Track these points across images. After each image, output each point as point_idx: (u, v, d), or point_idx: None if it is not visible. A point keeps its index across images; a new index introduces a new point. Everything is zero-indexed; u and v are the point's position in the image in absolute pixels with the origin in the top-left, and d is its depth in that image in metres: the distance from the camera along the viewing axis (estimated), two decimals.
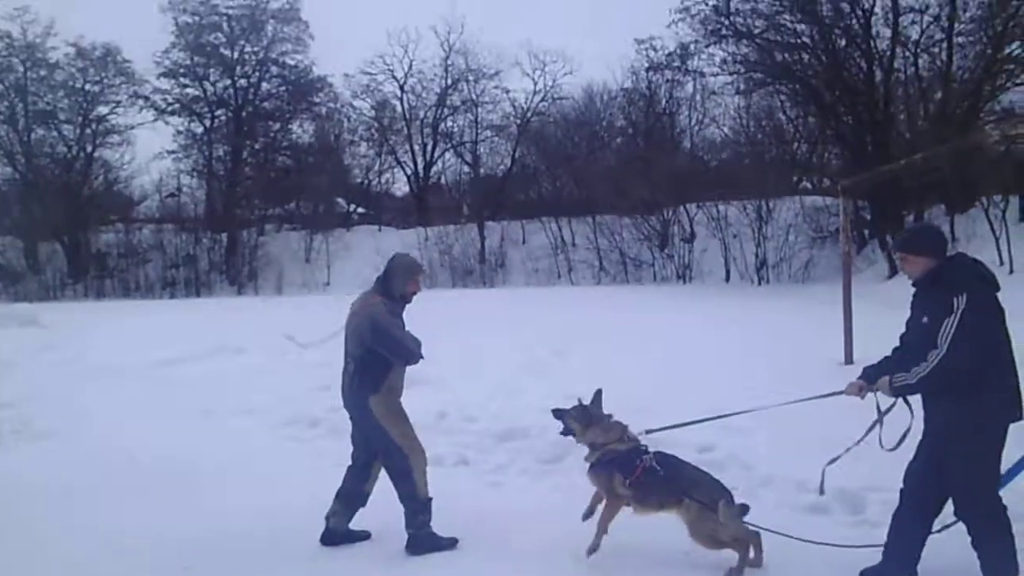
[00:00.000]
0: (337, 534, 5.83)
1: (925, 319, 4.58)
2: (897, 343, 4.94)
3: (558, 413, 5.75)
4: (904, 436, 4.82)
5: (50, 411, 9.93)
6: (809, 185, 25.72)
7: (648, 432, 5.62)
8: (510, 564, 5.29)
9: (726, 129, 27.01)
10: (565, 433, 5.70)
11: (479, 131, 32.98)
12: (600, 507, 5.41)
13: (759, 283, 19.58)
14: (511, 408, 8.54)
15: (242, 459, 8.10)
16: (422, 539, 5.61)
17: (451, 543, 5.64)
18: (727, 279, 20.38)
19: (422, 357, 5.74)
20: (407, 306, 5.85)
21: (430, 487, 5.72)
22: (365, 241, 25.90)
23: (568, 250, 24.03)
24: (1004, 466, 4.63)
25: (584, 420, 5.57)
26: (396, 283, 5.76)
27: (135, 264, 26.68)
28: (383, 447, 5.72)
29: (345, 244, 26.47)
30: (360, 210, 33.80)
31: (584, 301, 16.08)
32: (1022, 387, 4.51)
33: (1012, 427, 4.52)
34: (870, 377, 4.89)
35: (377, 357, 5.63)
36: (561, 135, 29.14)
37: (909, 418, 4.81)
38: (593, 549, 5.28)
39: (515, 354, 10.58)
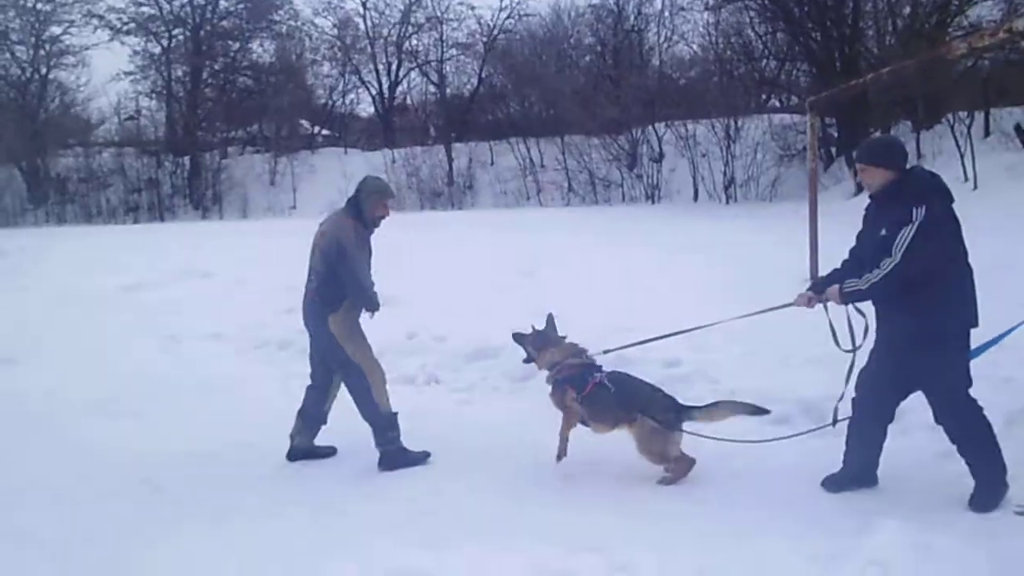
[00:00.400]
0: (301, 450, 5.93)
1: (884, 231, 4.61)
2: (847, 256, 4.99)
3: (518, 337, 5.87)
4: (864, 335, 4.89)
5: (15, 337, 9.83)
6: (777, 103, 25.66)
7: (605, 352, 5.71)
8: (482, 477, 5.37)
9: (695, 46, 26.80)
10: (527, 360, 5.85)
11: (444, 50, 32.36)
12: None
13: (727, 202, 19.63)
14: (481, 328, 8.56)
15: (212, 382, 8.11)
16: (393, 455, 5.68)
17: (423, 457, 5.72)
18: (695, 198, 20.41)
19: (378, 307, 5.73)
20: (375, 231, 5.83)
21: (394, 403, 5.78)
22: (331, 164, 25.55)
23: (537, 171, 23.89)
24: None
25: (540, 344, 5.70)
26: (366, 206, 5.72)
27: (96, 189, 26.15)
28: (340, 365, 5.77)
29: (310, 167, 26.11)
30: (325, 132, 33.27)
31: (553, 222, 16.07)
32: (978, 296, 4.60)
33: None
34: (819, 288, 4.95)
35: (336, 276, 5.63)
36: (528, 53, 28.71)
37: (863, 320, 4.89)
38: (560, 455, 5.44)
39: (484, 275, 10.59)
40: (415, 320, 8.79)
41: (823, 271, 9.11)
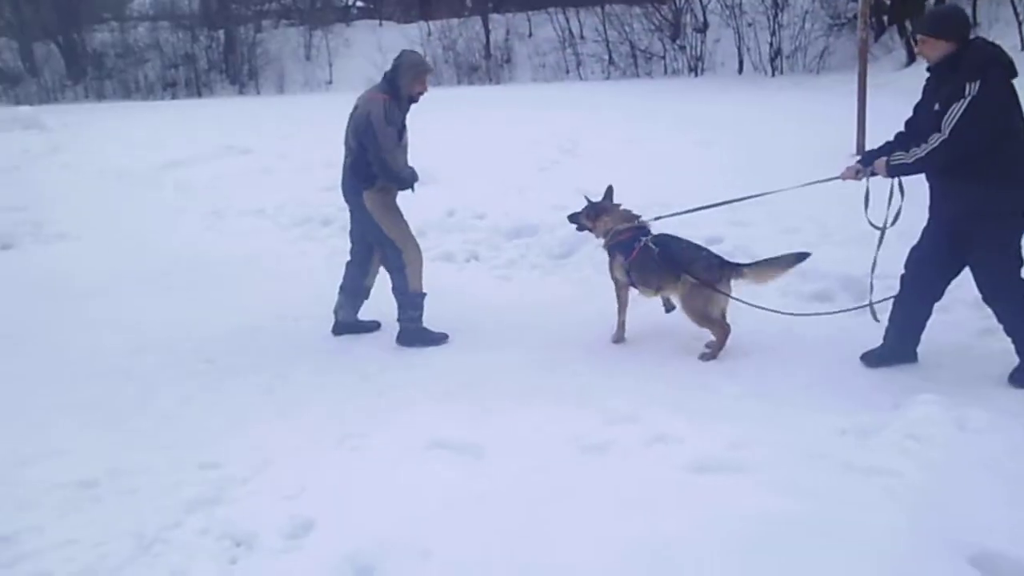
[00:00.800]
0: (345, 325, 6.05)
1: (937, 106, 4.48)
2: (903, 128, 4.87)
3: (573, 217, 5.97)
4: (897, 216, 4.83)
5: (63, 214, 10.00)
6: None
7: (656, 219, 5.70)
8: (521, 351, 5.48)
9: None
10: (580, 229, 5.98)
11: None
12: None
13: (773, 74, 19.01)
14: (520, 205, 8.56)
15: (256, 258, 8.25)
16: (411, 332, 5.79)
17: (442, 338, 5.80)
18: (740, 70, 19.76)
19: (407, 185, 5.70)
20: (411, 108, 5.76)
21: (430, 282, 5.85)
22: (366, 37, 25.03)
23: (576, 43, 23.21)
24: None
25: (593, 214, 5.78)
26: (403, 82, 5.62)
27: (133, 64, 25.94)
28: (378, 240, 5.83)
29: (346, 40, 25.60)
30: (359, 3, 32.54)
31: (593, 97, 15.73)
32: None
33: None
34: (867, 161, 4.86)
35: (363, 156, 5.60)
36: None
37: (899, 199, 4.81)
38: (617, 338, 5.60)
39: (524, 152, 10.48)
40: (454, 197, 8.78)
41: (870, 145, 8.97)
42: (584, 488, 3.52)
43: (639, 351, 5.41)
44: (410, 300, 5.79)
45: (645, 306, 5.79)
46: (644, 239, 5.44)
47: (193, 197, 10.60)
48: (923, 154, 4.43)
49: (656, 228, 5.70)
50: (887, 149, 4.80)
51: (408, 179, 5.70)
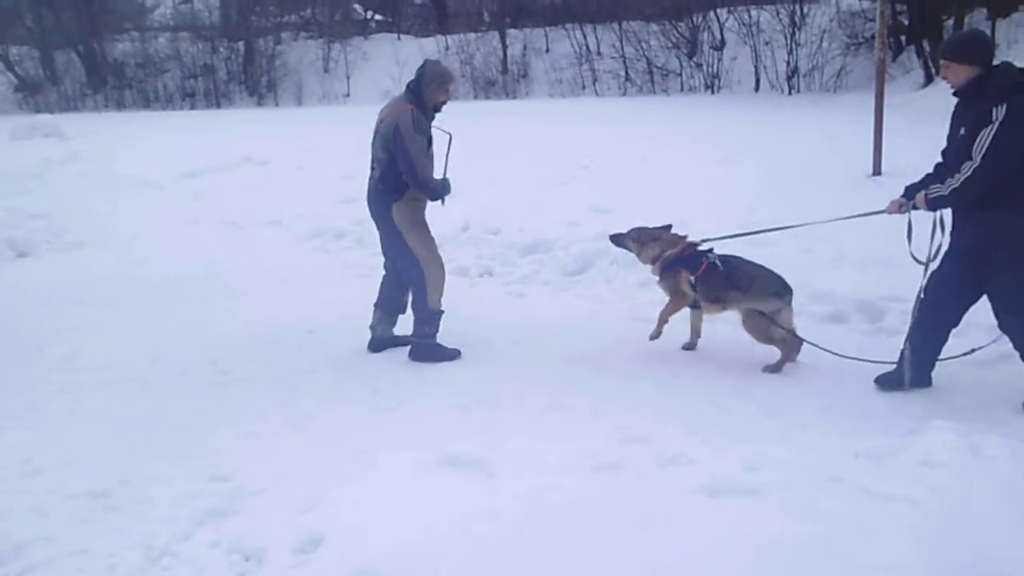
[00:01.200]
0: (382, 340, 6.02)
1: (963, 131, 4.48)
2: (939, 158, 4.85)
3: (616, 239, 5.98)
4: (937, 251, 4.80)
5: (80, 222, 10.08)
6: None
7: (704, 241, 5.72)
8: (534, 368, 5.48)
9: None
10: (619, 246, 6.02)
11: None
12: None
13: (790, 92, 19.00)
14: (535, 221, 8.57)
15: (271, 269, 8.28)
16: (425, 348, 5.78)
17: (454, 354, 5.78)
18: (756, 88, 19.76)
19: (439, 196, 5.67)
20: (435, 118, 5.75)
21: (446, 299, 5.84)
22: (384, 50, 25.17)
23: (593, 59, 23.25)
24: None
25: (642, 239, 5.81)
26: (428, 91, 5.61)
27: (153, 74, 26.13)
28: (400, 254, 5.81)
29: (364, 53, 25.74)
30: (378, 17, 32.70)
31: (610, 113, 15.76)
32: None
33: None
34: (910, 194, 4.84)
35: (392, 168, 5.59)
36: None
37: (939, 234, 4.78)
38: (654, 336, 5.67)
39: (539, 167, 10.50)
40: (469, 212, 8.80)
41: (886, 166, 8.98)
42: (597, 508, 3.51)
43: (653, 369, 5.40)
44: (428, 316, 5.78)
45: (651, 326, 5.79)
46: (711, 255, 5.49)
47: (210, 207, 10.67)
48: (958, 184, 4.42)
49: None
50: (928, 181, 4.79)
51: (439, 190, 5.65)
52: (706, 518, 3.35)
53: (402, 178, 5.56)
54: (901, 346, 4.90)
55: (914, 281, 4.88)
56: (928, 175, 4.87)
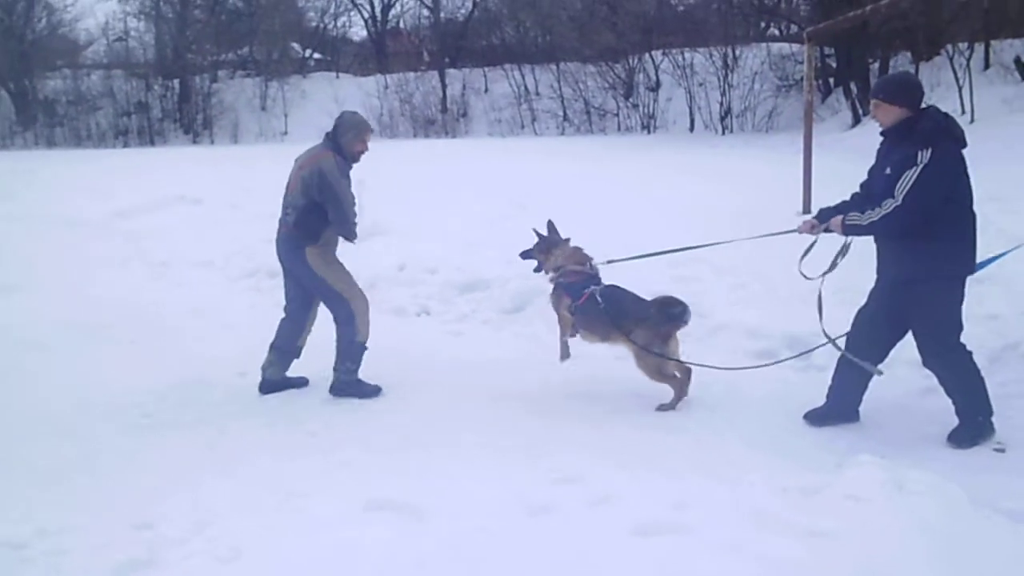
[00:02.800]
0: (273, 383, 5.97)
1: (888, 170, 4.59)
2: (858, 189, 4.98)
3: (525, 254, 6.01)
4: (831, 269, 4.92)
5: (6, 263, 9.79)
6: (776, 32, 25.26)
7: (609, 262, 5.74)
8: (468, 408, 5.44)
9: None
10: (537, 269, 5.98)
11: None
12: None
13: (723, 132, 19.45)
14: (472, 260, 8.57)
15: (202, 309, 8.14)
16: (345, 384, 5.77)
17: (375, 391, 5.78)
18: (691, 128, 20.20)
19: (356, 236, 5.74)
20: (354, 166, 5.80)
21: (382, 338, 5.84)
22: (322, 89, 25.20)
23: (532, 99, 23.58)
24: None
25: (545, 247, 5.84)
26: (346, 140, 5.69)
27: (85, 112, 25.75)
28: (324, 295, 5.82)
29: (302, 92, 25.74)
30: (316, 56, 32.74)
31: (548, 152, 15.91)
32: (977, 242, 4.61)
33: None
34: (823, 217, 4.95)
35: (320, 210, 5.61)
36: None
37: (840, 258, 4.90)
38: (563, 357, 5.72)
39: (477, 206, 10.53)
40: (406, 251, 8.78)
41: (816, 202, 9.18)
42: (527, 552, 3.47)
43: (587, 407, 5.39)
44: (353, 351, 5.76)
45: (592, 361, 5.80)
46: (592, 288, 5.46)
47: (141, 247, 10.47)
48: (877, 218, 4.53)
49: (605, 273, 5.76)
50: (842, 208, 4.90)
51: (355, 228, 5.73)
52: (636, 559, 3.34)
53: (317, 223, 5.62)
54: (830, 381, 4.98)
55: (843, 317, 4.96)
56: (844, 202, 4.98)
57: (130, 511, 4.10)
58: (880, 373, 4.81)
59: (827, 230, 4.88)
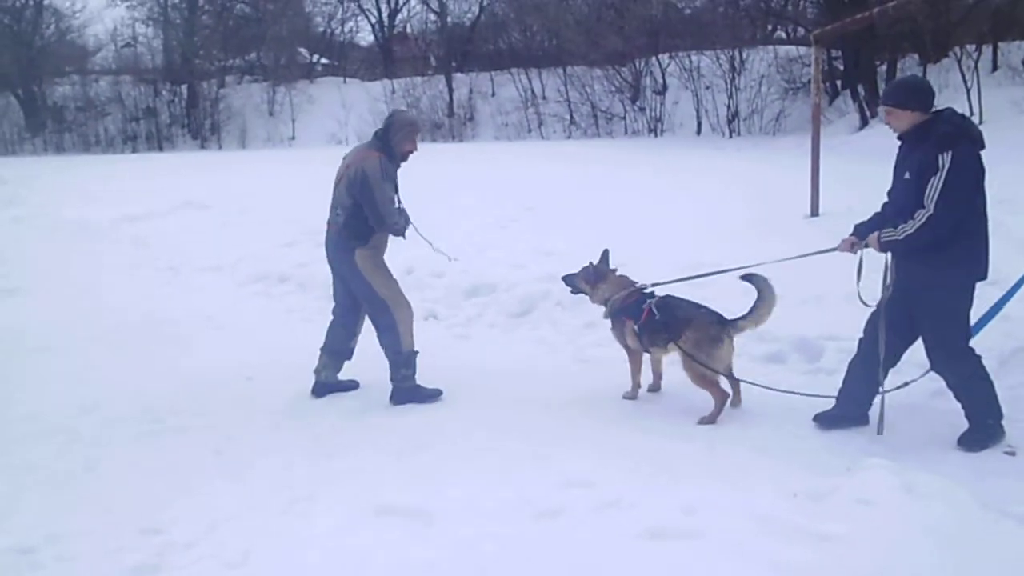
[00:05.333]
0: (326, 386, 5.94)
1: (907, 175, 4.57)
2: (883, 198, 4.93)
3: (568, 279, 5.92)
4: (889, 293, 4.86)
5: (15, 268, 9.85)
6: (784, 34, 25.23)
7: (654, 285, 5.71)
8: (476, 412, 5.42)
9: None
10: (575, 292, 5.94)
11: None
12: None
13: (730, 135, 19.43)
14: (479, 263, 8.57)
15: (210, 314, 8.15)
16: (404, 391, 5.72)
17: (435, 395, 5.73)
18: (698, 132, 20.18)
19: (403, 232, 5.71)
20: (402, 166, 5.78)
21: (416, 340, 5.80)
22: (329, 94, 25.25)
23: (538, 103, 23.60)
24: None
25: (592, 279, 5.77)
26: (396, 140, 5.63)
27: (94, 117, 25.88)
28: (368, 300, 5.77)
29: (309, 97, 25.78)
30: (324, 61, 32.82)
31: (555, 156, 15.91)
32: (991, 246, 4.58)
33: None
34: (861, 234, 4.89)
35: (358, 213, 5.59)
36: None
37: (889, 277, 4.86)
38: (628, 397, 5.61)
39: (484, 209, 10.54)
40: (413, 255, 8.73)
41: (824, 206, 9.17)
42: (535, 556, 3.46)
43: (595, 411, 5.38)
44: (403, 359, 5.72)
45: (599, 366, 5.79)
46: (649, 302, 5.47)
47: (149, 252, 10.51)
48: (912, 230, 4.47)
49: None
50: (876, 221, 4.86)
51: (403, 225, 5.69)
52: (644, 563, 3.33)
53: (366, 224, 5.57)
54: (840, 384, 4.96)
55: (852, 320, 4.95)
56: (876, 215, 4.92)
57: (139, 516, 4.11)
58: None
59: (866, 246, 4.83)
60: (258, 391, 6.02)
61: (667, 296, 5.59)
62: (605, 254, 5.83)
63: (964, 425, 4.62)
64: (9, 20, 29.43)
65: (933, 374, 4.76)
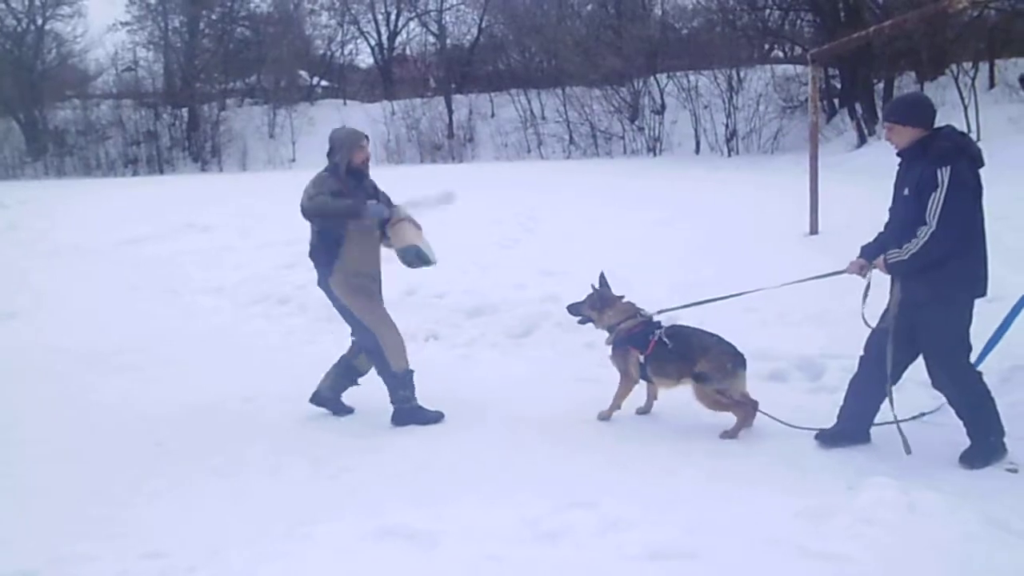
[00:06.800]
0: (322, 398, 5.92)
1: (907, 191, 4.58)
2: (885, 216, 4.94)
3: (573, 308, 5.89)
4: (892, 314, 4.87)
5: (16, 291, 9.86)
6: (781, 53, 25.36)
7: (661, 312, 5.71)
8: (478, 432, 5.42)
9: None
10: (583, 322, 5.88)
11: None
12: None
13: (728, 154, 19.49)
14: (480, 284, 8.60)
15: (211, 336, 8.16)
16: (405, 412, 5.70)
17: (436, 417, 5.71)
18: (697, 151, 20.25)
19: (365, 214, 5.55)
20: (367, 178, 5.80)
21: (410, 360, 5.79)
22: (330, 116, 25.34)
23: (538, 123, 23.70)
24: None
25: (599, 306, 5.73)
26: (339, 156, 5.69)
27: (95, 141, 25.99)
28: (351, 324, 5.80)
29: (309, 119, 25.90)
30: (324, 83, 32.96)
31: (554, 176, 15.97)
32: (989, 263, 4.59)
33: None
34: (869, 255, 4.90)
35: (322, 236, 5.65)
36: (529, 2, 28.30)
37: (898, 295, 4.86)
38: (603, 418, 5.56)
39: (485, 230, 10.57)
40: (414, 276, 8.75)
41: (823, 225, 9.19)
42: None
43: (597, 432, 5.38)
44: (398, 380, 5.71)
45: (601, 386, 5.78)
46: (658, 332, 5.44)
47: (150, 275, 10.52)
48: (917, 248, 4.46)
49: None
50: (881, 240, 4.87)
51: (361, 208, 5.54)
52: None
53: (327, 249, 5.64)
54: (841, 403, 4.96)
55: (853, 338, 4.96)
56: (880, 234, 4.92)
57: (141, 539, 4.09)
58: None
59: (873, 269, 4.83)
60: (259, 413, 6.02)
61: (676, 326, 5.57)
62: (603, 277, 5.82)
63: (965, 443, 4.61)
64: (11, 45, 29.61)
65: (935, 392, 4.76)
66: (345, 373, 5.96)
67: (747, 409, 5.25)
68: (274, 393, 6.28)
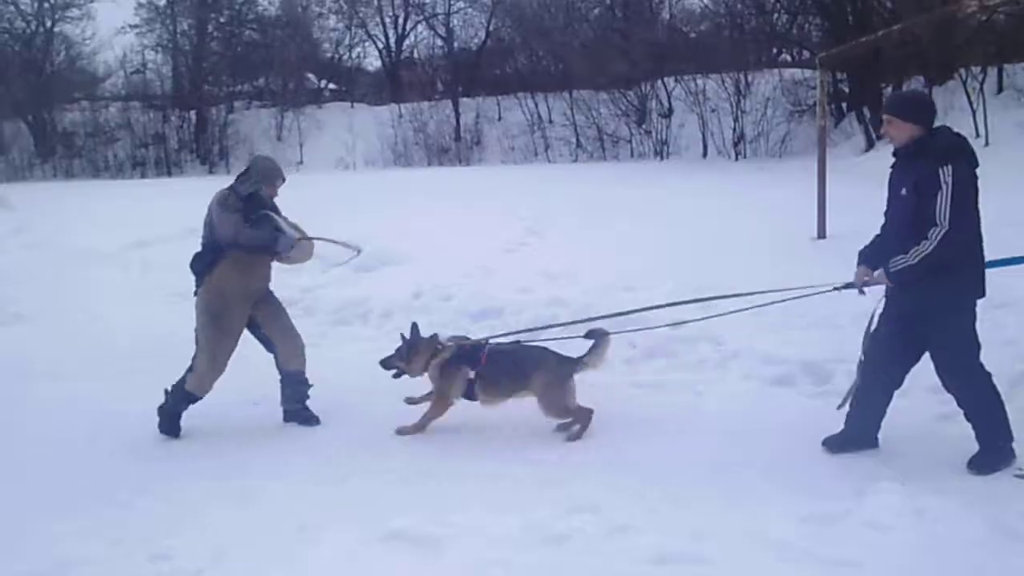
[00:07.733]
0: (288, 414, 6.00)
1: (904, 191, 4.56)
2: (882, 220, 4.91)
3: (386, 363, 5.82)
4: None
5: (25, 294, 9.88)
6: (788, 57, 25.30)
7: (488, 340, 5.76)
8: (482, 438, 5.42)
9: None
10: (397, 376, 5.80)
11: (452, 2, 31.94)
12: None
13: (736, 158, 19.43)
14: (487, 287, 8.58)
15: None
16: (162, 420, 5.79)
17: (175, 433, 5.79)
18: (704, 154, 20.19)
19: (277, 249, 5.79)
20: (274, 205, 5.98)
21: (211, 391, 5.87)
22: (337, 119, 25.38)
23: (545, 127, 23.65)
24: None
25: (406, 354, 5.72)
26: (252, 183, 5.82)
27: (103, 143, 26.03)
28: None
29: (317, 122, 25.91)
30: (331, 86, 33.00)
31: (561, 179, 15.94)
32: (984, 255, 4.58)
33: None
34: (867, 259, 4.84)
35: (205, 249, 5.81)
36: (536, 6, 28.28)
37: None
38: (402, 433, 5.55)
39: (491, 233, 10.55)
40: (421, 279, 8.79)
41: (831, 229, 9.16)
42: None
43: (601, 435, 5.37)
44: (182, 396, 5.82)
45: (605, 391, 5.76)
46: (487, 347, 5.54)
47: (158, 278, 10.51)
48: (930, 249, 4.39)
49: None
50: (877, 244, 4.84)
51: (274, 245, 5.77)
52: None
53: (199, 264, 5.85)
54: (847, 408, 4.94)
55: (860, 343, 4.94)
56: (876, 237, 4.90)
57: (147, 542, 4.11)
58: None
59: (875, 282, 4.76)
60: (265, 416, 6.03)
61: (504, 343, 5.71)
62: (414, 326, 5.80)
63: (973, 448, 4.59)
64: (20, 47, 29.73)
65: (944, 396, 4.74)
66: (288, 381, 6.01)
67: (590, 410, 5.37)
68: (279, 397, 6.27)
